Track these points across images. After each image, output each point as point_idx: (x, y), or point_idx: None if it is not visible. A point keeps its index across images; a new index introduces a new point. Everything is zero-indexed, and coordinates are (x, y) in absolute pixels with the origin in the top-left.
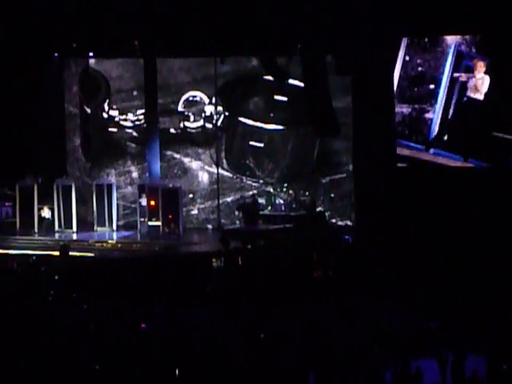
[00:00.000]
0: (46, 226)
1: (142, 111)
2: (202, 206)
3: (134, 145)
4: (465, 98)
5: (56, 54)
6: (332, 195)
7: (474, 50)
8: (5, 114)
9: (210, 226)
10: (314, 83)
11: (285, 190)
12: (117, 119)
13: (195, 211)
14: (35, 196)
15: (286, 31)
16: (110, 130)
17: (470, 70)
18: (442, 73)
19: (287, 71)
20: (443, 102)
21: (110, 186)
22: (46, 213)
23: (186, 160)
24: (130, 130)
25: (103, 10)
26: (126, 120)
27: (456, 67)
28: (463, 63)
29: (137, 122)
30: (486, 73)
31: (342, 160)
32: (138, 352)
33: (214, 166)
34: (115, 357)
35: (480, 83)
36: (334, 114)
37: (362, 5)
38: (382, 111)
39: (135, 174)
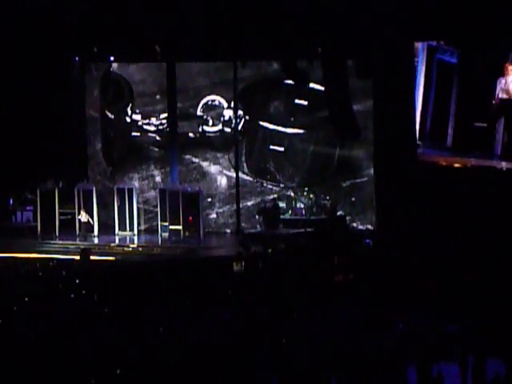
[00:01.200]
0: (85, 229)
1: (165, 115)
2: (221, 210)
3: (156, 149)
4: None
5: (77, 58)
6: (353, 199)
7: (442, 42)
8: (25, 118)
9: (228, 230)
10: (334, 87)
11: (305, 194)
12: (140, 123)
13: (214, 215)
14: (56, 200)
15: (307, 35)
16: (134, 134)
17: (444, 65)
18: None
19: (308, 75)
20: (421, 98)
21: (130, 190)
22: (83, 217)
23: (205, 164)
24: (153, 134)
25: (123, 14)
26: (149, 124)
27: (429, 62)
28: (435, 57)
29: (160, 127)
30: None
31: (363, 164)
32: (158, 355)
33: (232, 170)
34: (136, 360)
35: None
36: (355, 117)
37: (381, 8)
38: (402, 115)
39: (158, 178)
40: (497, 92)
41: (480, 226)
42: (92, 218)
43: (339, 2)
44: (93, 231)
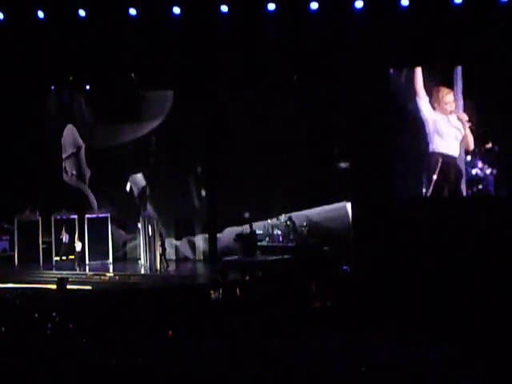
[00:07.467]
0: (79, 258)
1: None
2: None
3: None
4: None
5: (53, 87)
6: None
7: None
8: (1, 147)
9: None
10: None
11: (283, 220)
12: None
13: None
14: (40, 229)
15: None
16: None
17: None
18: None
19: None
20: None
21: (105, 219)
22: (78, 246)
23: None
24: None
25: (99, 42)
26: None
27: None
28: None
29: None
30: None
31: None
32: None
33: None
34: None
35: None
36: None
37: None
38: (380, 146)
39: None
40: None
41: (460, 254)
42: (84, 247)
43: None
44: (85, 260)
